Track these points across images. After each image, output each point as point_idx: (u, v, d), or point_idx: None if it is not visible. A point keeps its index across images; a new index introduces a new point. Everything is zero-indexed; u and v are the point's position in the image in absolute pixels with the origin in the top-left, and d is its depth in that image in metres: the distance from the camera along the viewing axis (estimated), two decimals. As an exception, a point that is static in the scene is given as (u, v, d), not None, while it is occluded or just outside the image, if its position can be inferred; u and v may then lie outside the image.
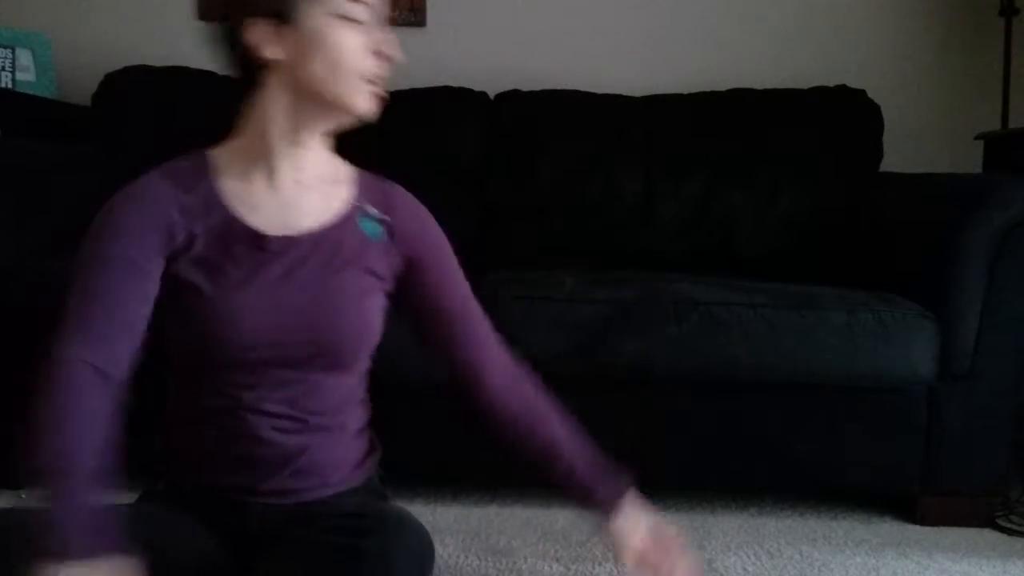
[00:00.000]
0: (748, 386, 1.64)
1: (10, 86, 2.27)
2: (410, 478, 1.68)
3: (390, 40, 0.96)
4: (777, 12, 2.45)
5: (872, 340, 1.57)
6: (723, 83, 2.29)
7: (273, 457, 0.97)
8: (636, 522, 1.05)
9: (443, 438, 1.68)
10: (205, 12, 2.44)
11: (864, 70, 2.36)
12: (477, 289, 1.11)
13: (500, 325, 1.11)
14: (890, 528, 1.65)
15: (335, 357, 0.98)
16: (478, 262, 1.36)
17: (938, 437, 1.63)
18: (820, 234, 2.10)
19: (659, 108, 2.23)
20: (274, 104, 0.96)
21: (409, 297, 1.05)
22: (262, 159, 0.98)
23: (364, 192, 1.03)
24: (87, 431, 0.83)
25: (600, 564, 1.43)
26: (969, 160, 2.27)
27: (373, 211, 1.02)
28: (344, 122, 0.99)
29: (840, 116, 2.19)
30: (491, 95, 2.28)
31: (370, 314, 1.01)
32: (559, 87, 2.28)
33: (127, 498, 1.00)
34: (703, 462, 1.69)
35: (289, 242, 0.97)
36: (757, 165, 2.15)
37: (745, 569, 1.44)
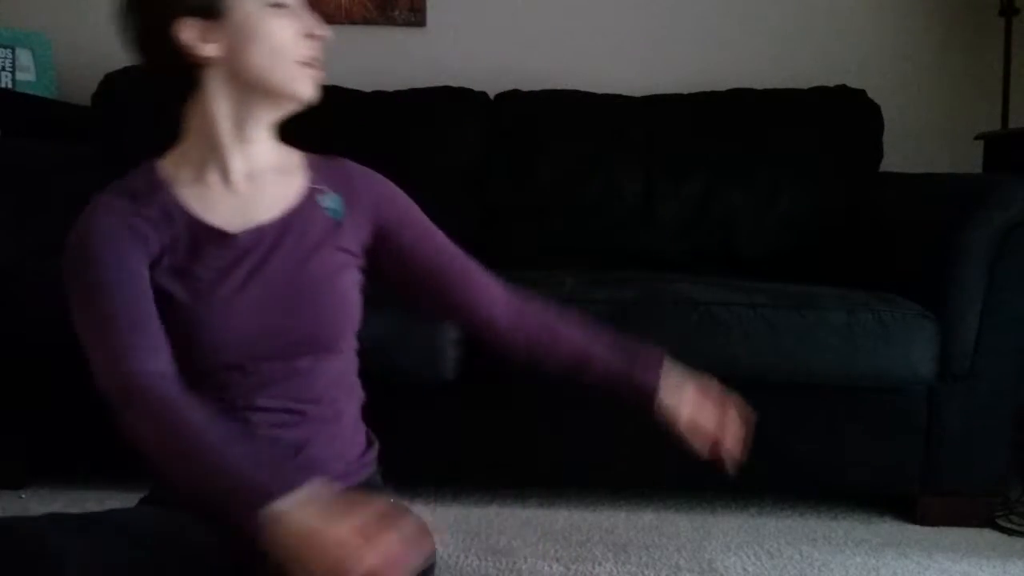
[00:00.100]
0: (748, 386, 1.61)
1: (10, 86, 2.27)
2: (410, 478, 1.68)
3: (317, 21, 0.96)
4: (777, 12, 2.45)
5: (872, 340, 1.57)
6: (723, 83, 2.29)
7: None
8: (680, 393, 1.06)
9: (443, 438, 1.68)
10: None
11: (864, 70, 2.36)
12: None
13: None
14: (890, 528, 1.65)
15: (321, 340, 0.99)
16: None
17: (938, 437, 1.63)
18: (820, 234, 2.09)
19: (659, 108, 2.23)
20: (216, 102, 0.96)
21: (392, 263, 1.05)
22: (213, 159, 0.98)
23: (318, 174, 1.04)
24: (212, 424, 0.85)
25: (600, 564, 1.43)
26: (969, 160, 2.27)
27: (330, 191, 1.02)
28: (288, 109, 0.99)
29: (840, 116, 2.19)
30: (491, 95, 2.28)
31: (348, 291, 1.01)
32: (559, 87, 2.28)
33: (129, 499, 1.00)
34: (703, 462, 1.68)
35: (255, 235, 0.97)
36: (757, 165, 2.15)
37: (745, 569, 1.44)
